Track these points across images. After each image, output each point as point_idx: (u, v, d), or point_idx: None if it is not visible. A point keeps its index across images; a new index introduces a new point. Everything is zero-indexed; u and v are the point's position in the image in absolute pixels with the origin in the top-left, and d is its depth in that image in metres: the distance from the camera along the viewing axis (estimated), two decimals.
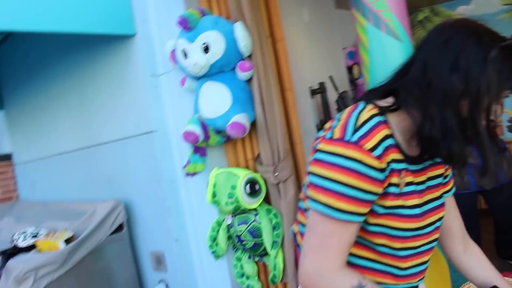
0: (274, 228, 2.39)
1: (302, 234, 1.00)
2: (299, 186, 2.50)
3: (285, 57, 2.50)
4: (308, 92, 2.95)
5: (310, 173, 0.90)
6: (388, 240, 0.93)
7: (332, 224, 0.84)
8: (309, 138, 2.87)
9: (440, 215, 1.04)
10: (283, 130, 2.41)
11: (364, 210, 0.86)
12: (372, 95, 0.99)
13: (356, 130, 0.86)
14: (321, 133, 0.97)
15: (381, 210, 0.91)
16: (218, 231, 2.52)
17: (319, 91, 2.94)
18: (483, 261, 1.18)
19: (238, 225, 2.42)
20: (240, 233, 2.41)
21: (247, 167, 2.50)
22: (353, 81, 3.87)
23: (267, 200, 2.46)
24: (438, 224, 1.02)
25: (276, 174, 2.37)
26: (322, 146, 0.89)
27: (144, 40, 2.58)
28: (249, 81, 2.37)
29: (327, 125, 0.96)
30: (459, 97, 0.85)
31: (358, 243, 0.93)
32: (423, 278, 1.00)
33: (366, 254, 0.93)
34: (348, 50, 3.87)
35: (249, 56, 2.33)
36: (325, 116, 2.98)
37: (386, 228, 0.92)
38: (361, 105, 0.93)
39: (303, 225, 1.02)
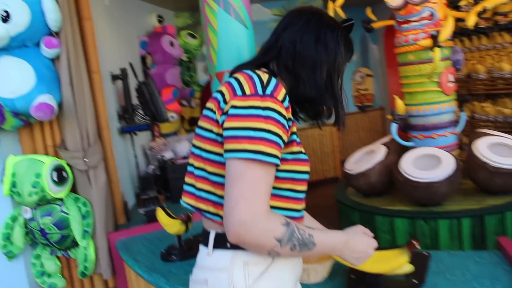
0: (83, 217, 2.26)
1: (212, 202, 1.02)
2: (107, 171, 2.42)
3: (92, 37, 2.38)
4: (108, 77, 2.85)
5: (227, 128, 0.95)
6: (292, 184, 1.06)
7: (260, 169, 0.92)
8: (113, 123, 2.79)
9: None
10: (93, 114, 2.30)
11: (280, 154, 0.98)
12: (247, 67, 1.10)
13: (265, 86, 0.97)
14: (220, 98, 1.01)
15: (289, 156, 1.04)
16: (12, 228, 2.23)
17: (121, 76, 2.88)
18: None
19: (41, 217, 2.19)
20: (44, 226, 2.19)
21: (46, 154, 2.28)
22: (145, 71, 3.88)
23: (73, 189, 2.30)
24: None
25: (86, 160, 2.25)
26: (237, 102, 0.95)
27: None
28: (54, 59, 2.18)
29: (224, 90, 1.01)
30: (323, 64, 1.08)
31: None
32: None
33: (272, 203, 1.03)
34: (140, 40, 3.85)
35: (56, 33, 2.13)
36: (126, 102, 2.93)
37: (292, 173, 1.05)
38: (250, 72, 1.03)
39: (210, 192, 1.04)
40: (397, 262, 1.25)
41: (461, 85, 5.13)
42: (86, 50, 2.35)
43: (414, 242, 1.31)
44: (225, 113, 0.98)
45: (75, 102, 2.20)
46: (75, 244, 2.30)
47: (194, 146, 1.10)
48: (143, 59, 3.85)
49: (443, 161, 2.74)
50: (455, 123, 3.21)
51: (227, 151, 0.95)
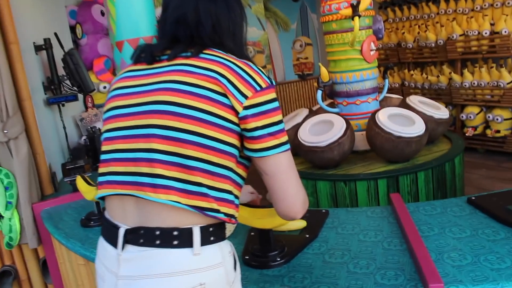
0: (6, 188, 2.27)
1: (208, 196, 0.94)
2: (30, 142, 2.41)
3: (8, 7, 2.33)
4: (32, 47, 2.79)
5: (260, 127, 0.95)
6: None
7: (290, 154, 1.01)
8: (37, 95, 2.76)
9: None
10: (11, 85, 2.28)
11: None
12: (202, 43, 1.05)
13: (267, 75, 1.01)
14: (226, 83, 0.95)
15: None
16: None
17: (45, 47, 2.83)
18: None
19: None
20: None
21: None
22: (75, 41, 3.81)
23: None
24: None
25: (5, 131, 2.24)
26: (260, 99, 0.95)
27: None
28: None
29: (227, 75, 0.96)
30: (243, 30, 1.12)
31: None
32: None
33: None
34: (69, 9, 3.75)
35: None
36: (52, 73, 2.89)
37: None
38: (239, 59, 1.02)
39: (207, 186, 0.94)
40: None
41: (391, 53, 5.36)
42: (1, 20, 2.30)
43: None
44: (246, 108, 0.94)
45: None
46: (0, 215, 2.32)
47: (161, 126, 0.95)
48: (72, 29, 3.77)
49: (415, 120, 2.94)
50: (378, 90, 3.39)
51: (269, 148, 0.96)
